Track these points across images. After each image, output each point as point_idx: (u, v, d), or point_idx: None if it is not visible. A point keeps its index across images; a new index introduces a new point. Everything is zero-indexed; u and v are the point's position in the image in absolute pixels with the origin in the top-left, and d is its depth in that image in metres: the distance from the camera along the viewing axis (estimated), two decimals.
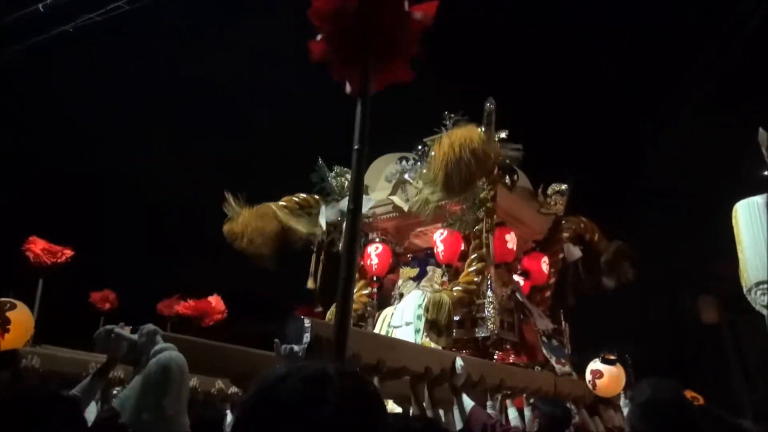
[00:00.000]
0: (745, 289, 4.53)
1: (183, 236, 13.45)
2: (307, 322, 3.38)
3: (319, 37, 2.93)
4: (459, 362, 4.56)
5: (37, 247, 7.06)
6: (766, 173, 5.29)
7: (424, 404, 4.32)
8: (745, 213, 4.70)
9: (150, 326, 3.02)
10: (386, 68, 2.98)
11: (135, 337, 3.01)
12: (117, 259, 12.21)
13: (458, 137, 6.21)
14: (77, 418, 2.84)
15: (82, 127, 13.04)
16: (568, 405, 5.03)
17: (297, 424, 1.11)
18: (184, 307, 9.29)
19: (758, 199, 4.75)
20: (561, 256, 8.34)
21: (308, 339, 3.31)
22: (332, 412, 1.12)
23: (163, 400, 2.76)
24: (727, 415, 3.10)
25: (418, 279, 7.77)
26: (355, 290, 7.77)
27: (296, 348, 3.20)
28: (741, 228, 4.70)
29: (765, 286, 4.41)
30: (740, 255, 4.61)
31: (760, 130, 5.14)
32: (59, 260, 7.16)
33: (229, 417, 3.61)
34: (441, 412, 4.63)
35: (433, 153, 6.50)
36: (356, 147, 2.98)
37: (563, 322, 8.35)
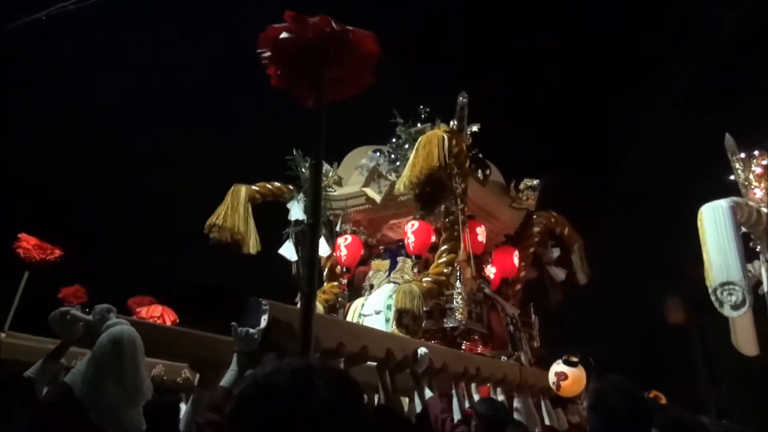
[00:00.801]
0: (710, 290, 4.63)
1: (165, 232, 13.25)
2: (265, 305, 3.33)
3: (268, 61, 3.08)
4: (422, 350, 4.56)
5: (29, 243, 7.08)
6: (731, 177, 5.42)
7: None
8: (710, 216, 4.80)
9: (103, 305, 2.99)
10: (341, 88, 3.14)
11: (90, 318, 2.96)
12: (96, 255, 11.95)
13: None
14: (31, 398, 2.83)
15: (58, 119, 12.74)
16: (505, 403, 5.04)
17: (290, 409, 1.22)
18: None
19: (723, 203, 4.84)
20: (532, 250, 8.41)
21: (265, 322, 3.28)
22: (321, 397, 1.23)
23: (118, 373, 2.72)
24: (687, 413, 3.12)
25: (388, 271, 7.79)
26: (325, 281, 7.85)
27: (252, 331, 3.18)
28: (706, 230, 4.79)
29: (730, 286, 4.53)
30: (705, 256, 4.71)
31: (727, 135, 5.25)
32: (48, 257, 7.19)
33: (183, 407, 3.56)
34: (406, 400, 4.64)
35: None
36: (312, 162, 3.08)
37: (533, 315, 8.43)
